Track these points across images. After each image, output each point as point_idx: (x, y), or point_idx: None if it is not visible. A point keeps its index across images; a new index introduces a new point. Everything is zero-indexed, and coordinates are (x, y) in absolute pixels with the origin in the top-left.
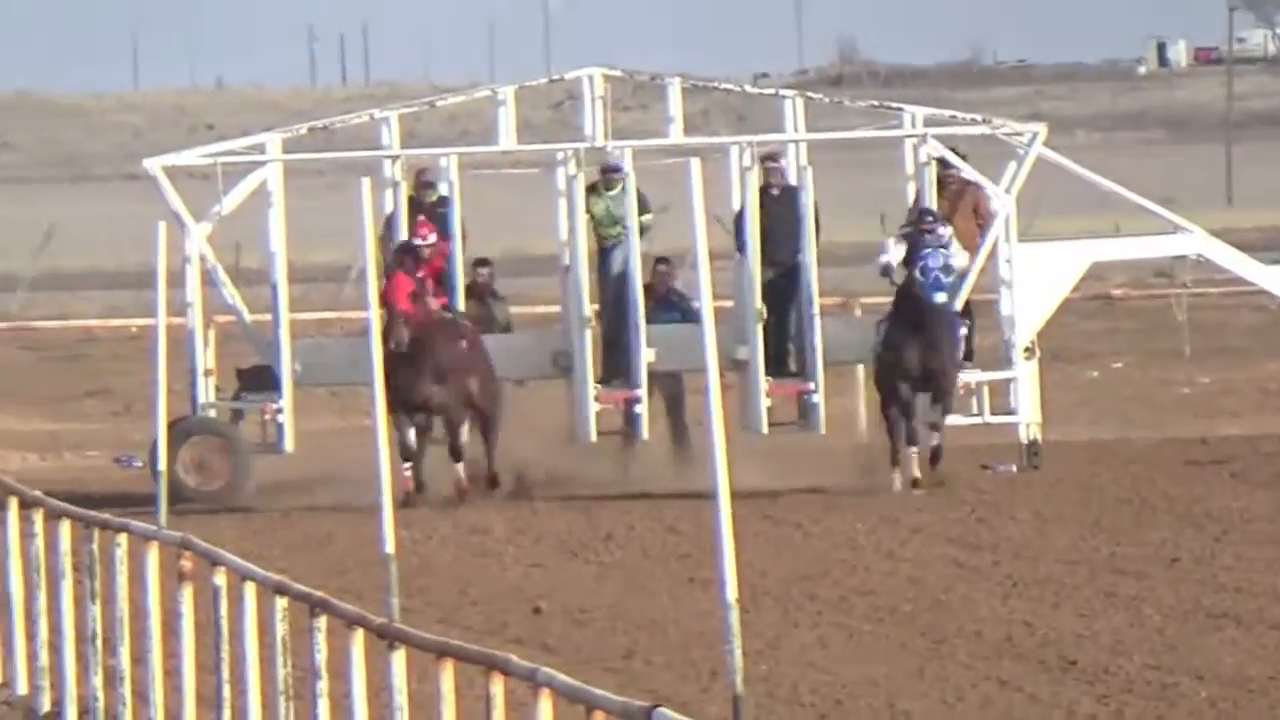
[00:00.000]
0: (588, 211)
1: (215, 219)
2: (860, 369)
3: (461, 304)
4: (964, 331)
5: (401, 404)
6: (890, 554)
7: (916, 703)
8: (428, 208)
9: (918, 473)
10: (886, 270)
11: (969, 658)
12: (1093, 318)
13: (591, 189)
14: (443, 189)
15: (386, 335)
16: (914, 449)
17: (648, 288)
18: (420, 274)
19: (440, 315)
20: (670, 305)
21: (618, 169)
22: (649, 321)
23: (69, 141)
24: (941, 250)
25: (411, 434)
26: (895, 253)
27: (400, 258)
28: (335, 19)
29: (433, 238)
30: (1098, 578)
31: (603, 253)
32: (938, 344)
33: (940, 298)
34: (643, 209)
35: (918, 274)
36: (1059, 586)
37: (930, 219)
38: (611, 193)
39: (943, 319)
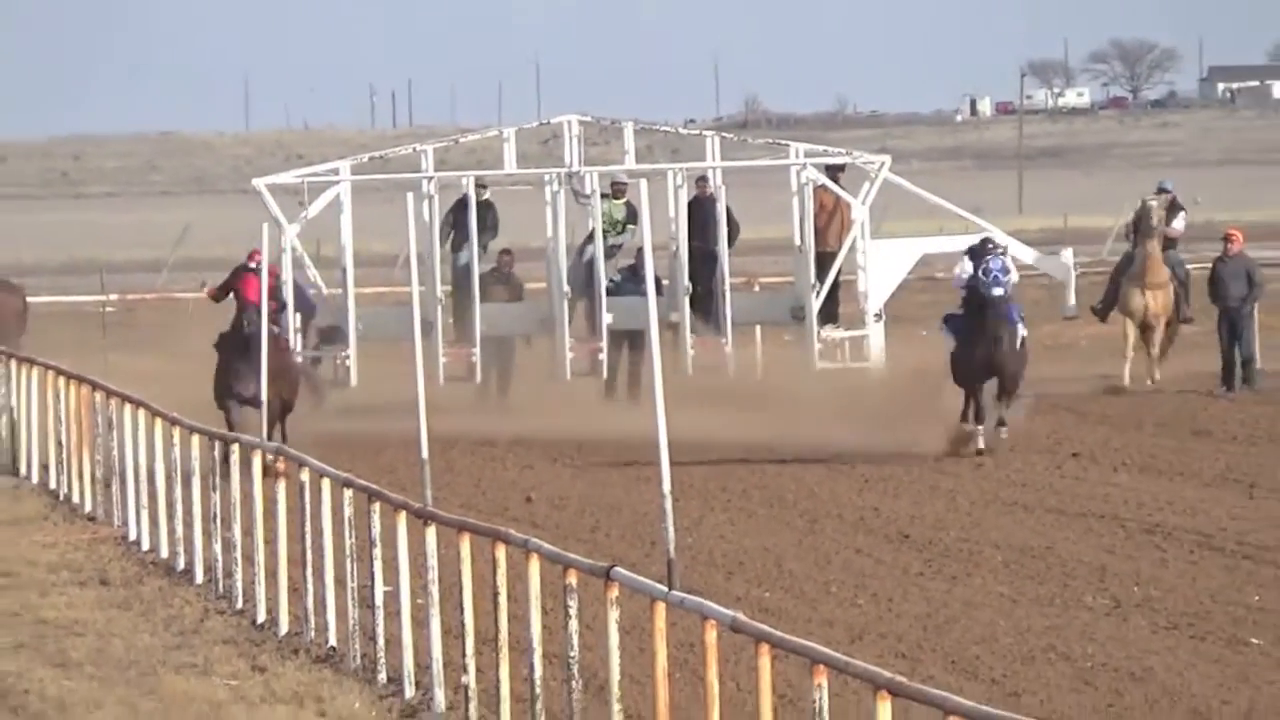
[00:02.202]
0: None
1: (303, 221)
2: (759, 329)
3: (476, 285)
4: (1024, 332)
5: (232, 394)
6: (779, 459)
7: (797, 564)
8: (479, 205)
9: (982, 444)
10: (965, 284)
11: (834, 533)
12: (923, 293)
13: (604, 197)
14: (486, 195)
15: (236, 321)
16: (980, 426)
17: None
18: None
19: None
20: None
21: (623, 184)
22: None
23: (198, 167)
24: (1003, 257)
25: (236, 414)
26: (967, 267)
27: (239, 273)
28: (389, 79)
29: (265, 261)
30: (924, 475)
31: (583, 246)
32: (1003, 340)
33: (998, 291)
34: (630, 218)
35: (981, 274)
36: (898, 482)
37: (991, 245)
38: (617, 202)
39: (1007, 317)
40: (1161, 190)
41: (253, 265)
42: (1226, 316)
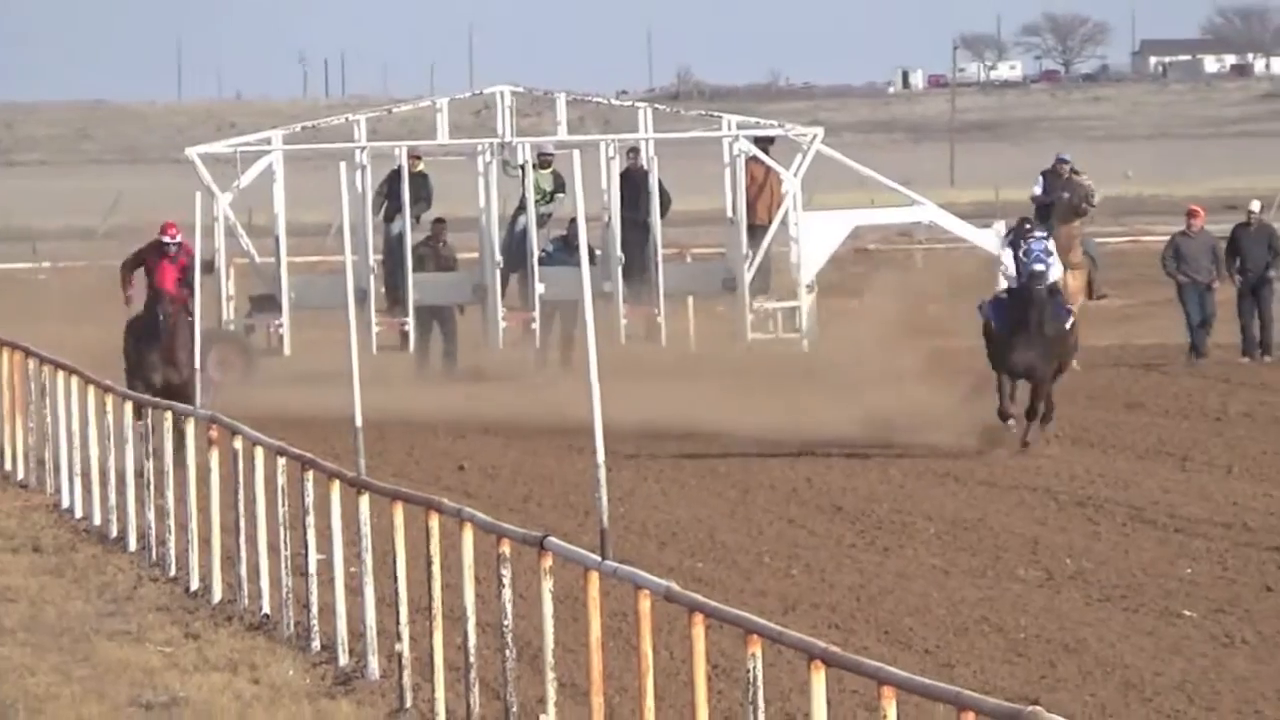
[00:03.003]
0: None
1: (235, 191)
2: (690, 300)
3: (409, 254)
4: (1071, 321)
5: (142, 379)
6: (712, 428)
7: (730, 535)
8: (412, 176)
9: (1021, 437)
10: (1008, 275)
11: (766, 504)
12: (855, 265)
13: (533, 168)
14: (421, 166)
15: (150, 308)
16: (1013, 413)
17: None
18: (178, 266)
19: (184, 310)
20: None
21: (550, 155)
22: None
23: (131, 135)
24: (1044, 240)
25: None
26: (1009, 257)
27: (154, 248)
28: (320, 47)
29: (180, 238)
30: (855, 448)
31: (514, 217)
32: (1043, 326)
33: (1039, 267)
34: (558, 188)
35: (1022, 255)
36: (830, 454)
37: (1029, 225)
38: (544, 172)
39: (1050, 301)
40: (1060, 161)
41: (167, 240)
42: (1186, 291)
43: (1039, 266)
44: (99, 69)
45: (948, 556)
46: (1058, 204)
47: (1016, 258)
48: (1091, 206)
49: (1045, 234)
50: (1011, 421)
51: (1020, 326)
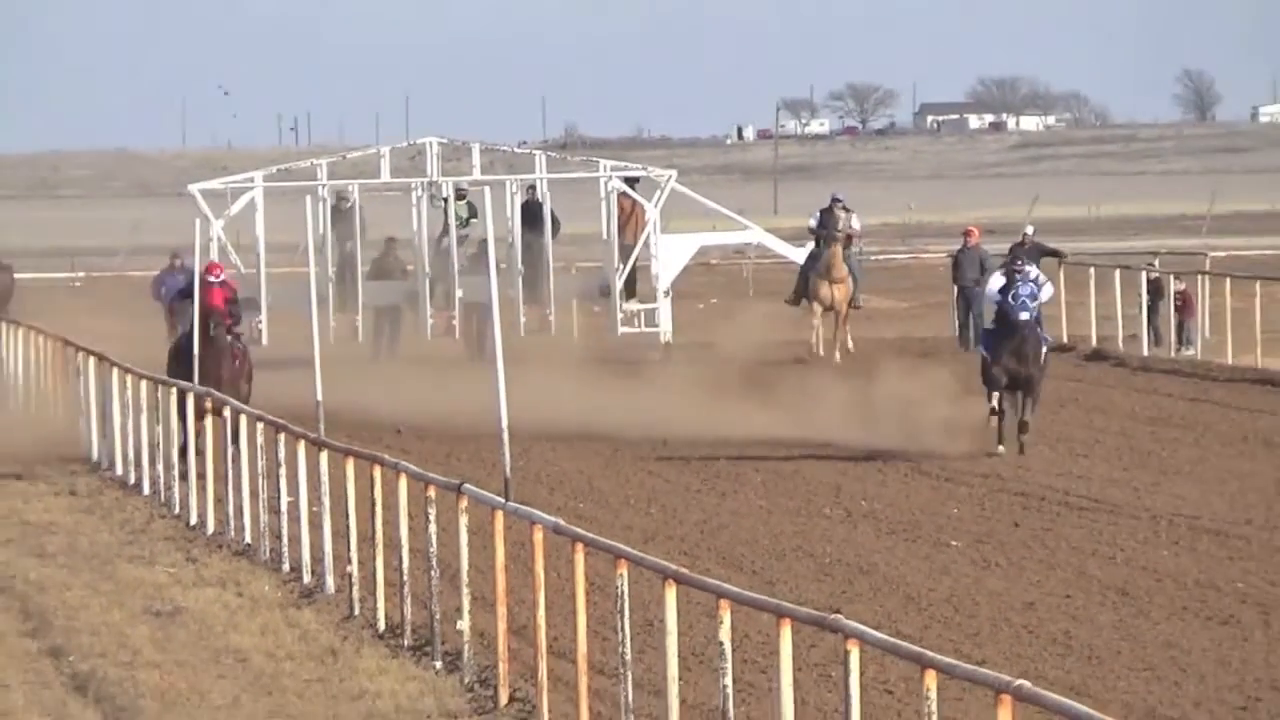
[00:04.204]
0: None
1: (226, 218)
2: (575, 302)
3: (359, 267)
4: (1047, 347)
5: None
6: (605, 395)
7: (604, 482)
8: (343, 210)
9: (1001, 449)
10: (995, 298)
11: (632, 458)
12: (701, 275)
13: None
14: (350, 201)
15: (202, 324)
16: (996, 420)
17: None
18: (225, 295)
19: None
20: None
21: (464, 189)
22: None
23: (146, 175)
24: (1031, 282)
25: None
26: (996, 283)
27: (203, 285)
28: (292, 107)
29: (224, 276)
30: (700, 416)
31: (440, 237)
32: (1027, 355)
33: (1024, 315)
34: (472, 214)
35: (1009, 298)
36: (682, 420)
37: (1019, 262)
38: (460, 202)
39: (1032, 335)
40: (835, 200)
41: (213, 279)
42: (963, 294)
43: (1024, 315)
44: (122, 122)
45: (771, 499)
46: (828, 231)
47: (1006, 299)
48: (841, 233)
49: (1033, 273)
50: (994, 421)
51: (1006, 348)
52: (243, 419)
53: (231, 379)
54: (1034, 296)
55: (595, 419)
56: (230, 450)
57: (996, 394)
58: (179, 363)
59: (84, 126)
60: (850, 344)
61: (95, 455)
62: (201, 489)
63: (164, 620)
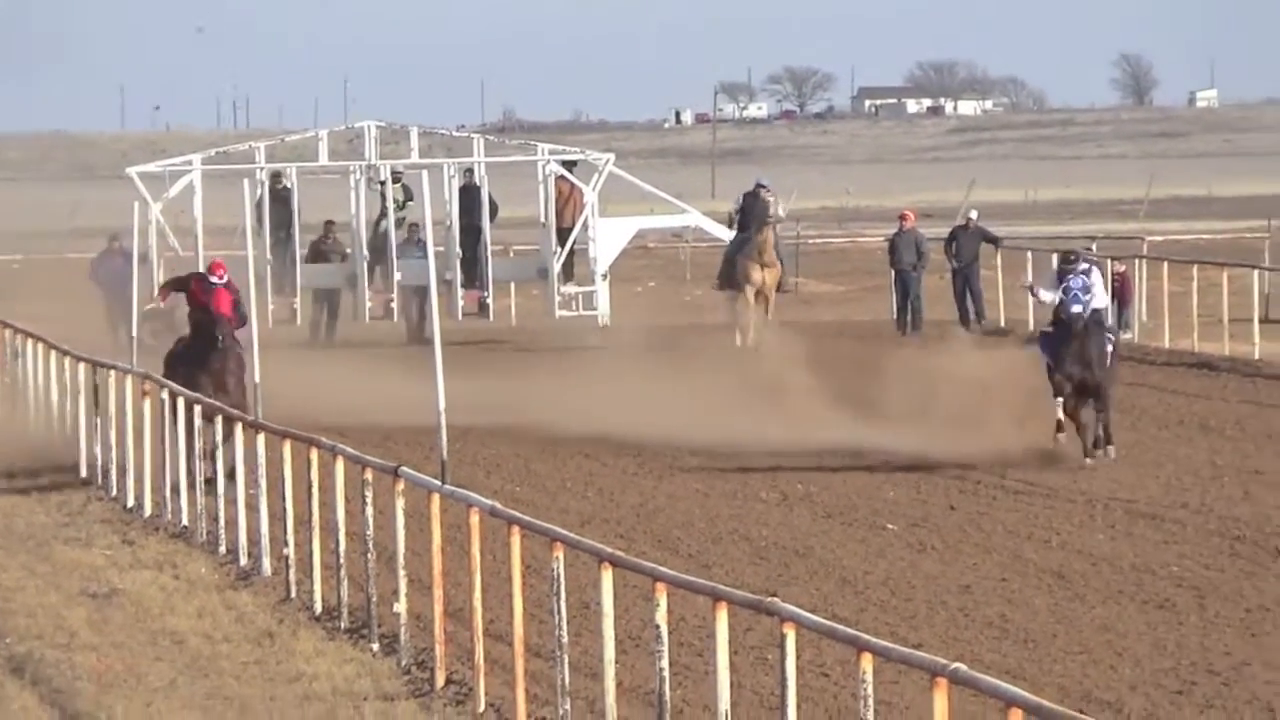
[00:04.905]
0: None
1: (165, 201)
2: (512, 285)
3: (297, 251)
4: (1110, 346)
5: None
6: (539, 381)
7: (540, 465)
8: (279, 192)
9: (1089, 461)
10: (1046, 301)
11: (569, 442)
12: (638, 259)
13: (385, 184)
14: (285, 182)
15: (204, 331)
16: (1064, 435)
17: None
18: (233, 292)
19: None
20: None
21: (400, 172)
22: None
23: (85, 158)
24: (1083, 276)
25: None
26: (1048, 295)
27: (200, 280)
28: (231, 90)
29: (226, 277)
30: (638, 402)
31: (378, 221)
32: (1090, 357)
33: (1076, 309)
34: (408, 197)
35: (1062, 293)
36: (620, 403)
37: (1073, 258)
38: (395, 185)
39: (1094, 334)
40: (759, 185)
41: (216, 279)
42: (900, 278)
43: (1076, 308)
44: (60, 105)
45: (707, 482)
46: (756, 214)
47: (1061, 295)
48: (773, 219)
49: (1086, 268)
50: (1062, 436)
51: (1068, 354)
52: (180, 400)
53: (237, 389)
54: (1086, 289)
55: (529, 402)
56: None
57: (1063, 403)
58: (178, 370)
59: (16, 108)
60: (767, 327)
61: (33, 436)
62: (138, 476)
63: (101, 602)
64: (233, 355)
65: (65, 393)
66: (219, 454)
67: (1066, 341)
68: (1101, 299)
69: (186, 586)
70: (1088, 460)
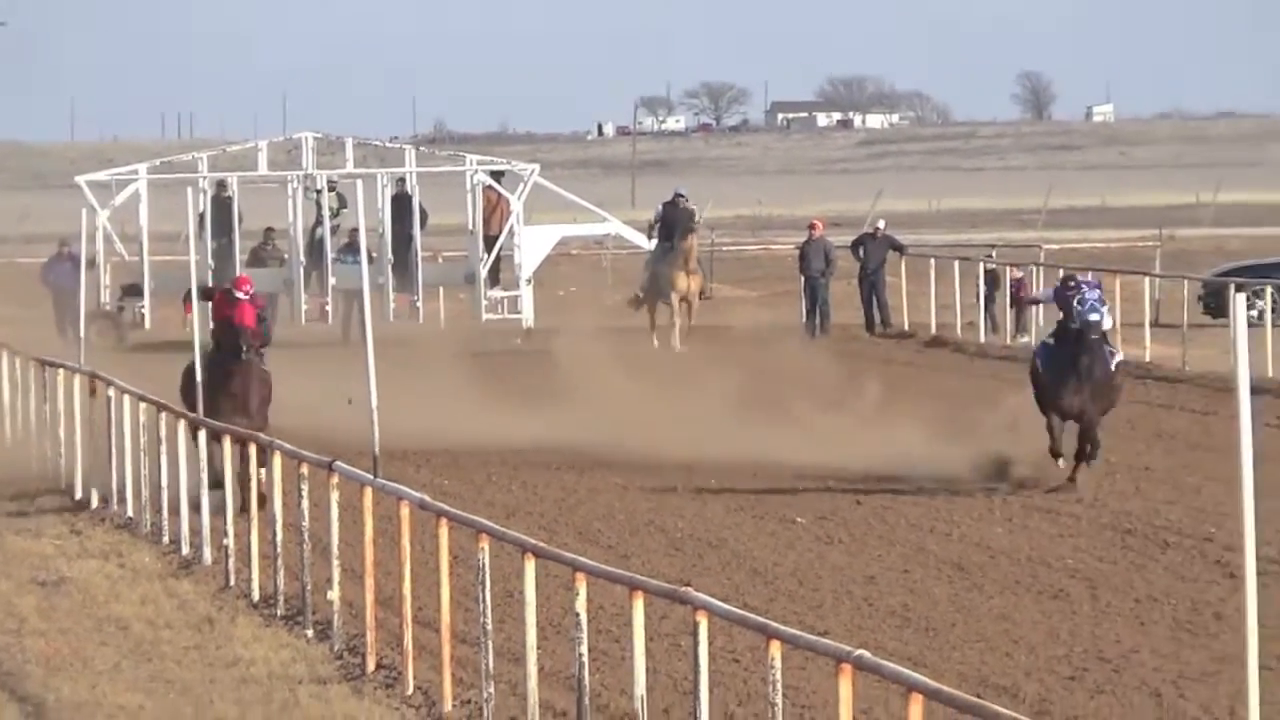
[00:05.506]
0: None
1: (112, 208)
2: (441, 290)
3: (237, 256)
4: (1118, 359)
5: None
6: (457, 387)
7: (467, 459)
8: (222, 200)
9: (1066, 471)
10: (1037, 302)
11: (496, 438)
12: (562, 265)
13: (321, 192)
14: (228, 191)
15: (228, 343)
16: (1063, 452)
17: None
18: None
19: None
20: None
21: (334, 181)
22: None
23: (36, 166)
24: (1098, 289)
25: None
26: (1045, 295)
27: (225, 294)
28: (175, 103)
29: (252, 291)
30: (561, 404)
31: (314, 228)
32: (1093, 374)
33: (1094, 317)
34: (342, 205)
35: (1077, 304)
36: (541, 404)
37: (1074, 282)
38: (331, 194)
39: (1096, 352)
40: (678, 195)
41: (241, 294)
42: (809, 284)
43: (1094, 316)
44: (13, 117)
45: (626, 476)
46: (680, 223)
47: (1073, 306)
48: (698, 225)
49: (1098, 284)
50: (1061, 461)
51: (1070, 371)
52: (125, 398)
53: (261, 408)
54: (1103, 301)
55: (460, 400)
56: (263, 477)
57: (1059, 422)
58: (196, 385)
59: None
60: (684, 332)
61: None
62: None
63: (49, 590)
64: (255, 373)
65: (16, 390)
66: (227, 473)
67: (1074, 355)
68: (1108, 319)
69: (131, 575)
70: (1078, 491)
